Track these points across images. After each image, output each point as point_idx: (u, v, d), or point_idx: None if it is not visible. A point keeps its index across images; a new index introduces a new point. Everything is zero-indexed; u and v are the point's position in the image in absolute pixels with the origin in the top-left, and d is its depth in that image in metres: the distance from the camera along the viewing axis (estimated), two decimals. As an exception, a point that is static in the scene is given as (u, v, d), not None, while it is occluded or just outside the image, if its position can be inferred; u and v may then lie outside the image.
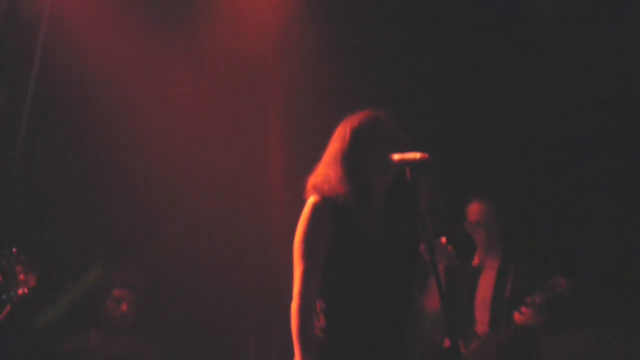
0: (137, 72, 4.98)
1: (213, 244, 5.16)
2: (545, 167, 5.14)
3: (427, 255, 2.71)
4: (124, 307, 4.44)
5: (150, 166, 5.03)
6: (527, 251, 4.58)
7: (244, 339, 4.66)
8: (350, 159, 2.85)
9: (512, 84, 5.18)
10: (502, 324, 4.29)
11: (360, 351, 2.75)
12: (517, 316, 4.20)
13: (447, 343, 4.11)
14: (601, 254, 4.95)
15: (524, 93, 5.17)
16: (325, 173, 2.89)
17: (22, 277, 2.59)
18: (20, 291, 2.65)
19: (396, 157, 2.74)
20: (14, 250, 2.58)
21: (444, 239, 2.96)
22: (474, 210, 4.52)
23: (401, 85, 5.08)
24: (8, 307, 3.60)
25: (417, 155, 2.69)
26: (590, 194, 5.01)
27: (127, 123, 4.95)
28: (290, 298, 2.74)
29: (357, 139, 2.87)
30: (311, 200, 2.85)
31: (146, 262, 4.94)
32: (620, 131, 4.89)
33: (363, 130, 2.88)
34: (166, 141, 5.05)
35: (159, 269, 5.02)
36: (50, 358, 4.47)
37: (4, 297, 2.61)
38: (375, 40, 5.13)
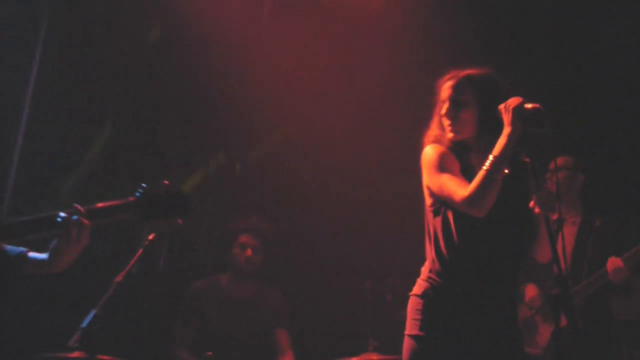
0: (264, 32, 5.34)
1: (333, 200, 5.38)
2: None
3: (537, 208, 2.80)
4: (249, 252, 4.69)
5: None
6: (608, 209, 4.62)
7: (360, 285, 4.81)
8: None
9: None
10: (592, 277, 4.31)
11: (473, 296, 2.87)
12: (611, 271, 4.20)
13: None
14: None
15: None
16: (435, 135, 3.08)
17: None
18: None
19: (501, 106, 2.84)
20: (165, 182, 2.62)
21: (551, 189, 3.07)
22: (561, 160, 4.53)
23: (511, 40, 5.18)
24: (140, 251, 3.67)
25: (528, 106, 2.79)
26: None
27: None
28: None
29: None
30: (430, 145, 3.03)
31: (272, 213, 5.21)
32: None
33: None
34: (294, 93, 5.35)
35: (285, 221, 5.31)
36: (179, 299, 4.80)
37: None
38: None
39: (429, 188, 3.02)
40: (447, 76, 3.09)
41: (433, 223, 2.99)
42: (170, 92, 5.37)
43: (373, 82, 5.28)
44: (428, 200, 3.05)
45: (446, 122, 3.01)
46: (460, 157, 2.99)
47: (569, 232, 4.54)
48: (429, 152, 3.00)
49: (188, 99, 5.43)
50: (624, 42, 5.16)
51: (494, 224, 2.87)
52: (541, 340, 4.37)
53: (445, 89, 3.05)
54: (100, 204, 2.54)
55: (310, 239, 5.44)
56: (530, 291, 4.56)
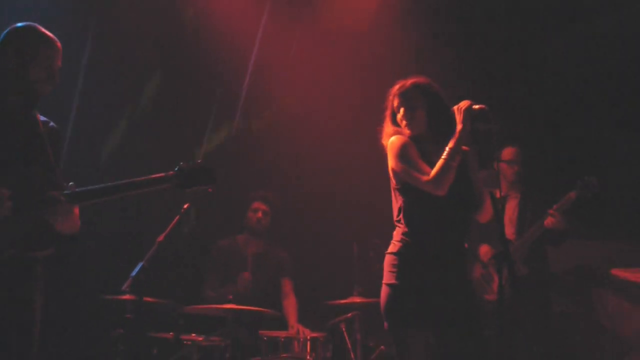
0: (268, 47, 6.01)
1: (328, 175, 6.00)
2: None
3: (484, 185, 3.32)
4: (260, 214, 5.48)
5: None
6: (543, 188, 5.28)
7: (348, 246, 5.24)
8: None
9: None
10: (532, 228, 4.97)
11: (434, 251, 3.27)
12: (547, 221, 4.86)
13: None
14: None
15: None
16: (394, 130, 3.44)
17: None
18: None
19: (454, 107, 3.26)
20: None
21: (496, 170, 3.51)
22: (509, 151, 5.25)
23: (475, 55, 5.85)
24: (177, 218, 4.24)
25: (476, 106, 3.21)
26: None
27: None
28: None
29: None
30: (396, 135, 3.37)
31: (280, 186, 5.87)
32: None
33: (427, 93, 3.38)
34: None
35: (290, 192, 5.98)
36: (207, 253, 5.59)
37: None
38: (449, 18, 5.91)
39: (394, 171, 3.34)
40: (397, 86, 3.43)
41: (400, 198, 3.37)
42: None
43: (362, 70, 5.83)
44: (393, 181, 3.38)
45: (403, 123, 3.36)
46: (418, 147, 3.33)
47: (513, 204, 5.24)
48: (395, 142, 3.32)
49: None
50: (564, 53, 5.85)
51: (448, 198, 3.23)
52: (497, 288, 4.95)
53: (398, 96, 3.40)
54: (146, 177, 3.05)
55: (309, 206, 6.07)
56: (484, 249, 5.19)
